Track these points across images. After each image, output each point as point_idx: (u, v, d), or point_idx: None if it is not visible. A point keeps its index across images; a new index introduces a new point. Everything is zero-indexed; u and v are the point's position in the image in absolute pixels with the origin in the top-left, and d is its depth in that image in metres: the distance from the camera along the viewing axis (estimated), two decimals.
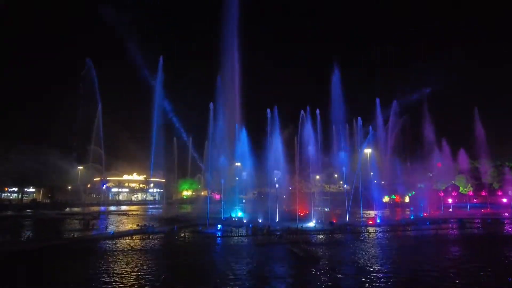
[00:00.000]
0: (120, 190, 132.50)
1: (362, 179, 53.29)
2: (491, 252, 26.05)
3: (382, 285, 16.62)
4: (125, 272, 18.91)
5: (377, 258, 23.13)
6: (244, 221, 47.04)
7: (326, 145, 56.13)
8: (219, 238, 32.86)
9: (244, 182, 57.20)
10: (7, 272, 19.56)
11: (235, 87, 69.00)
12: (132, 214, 60.28)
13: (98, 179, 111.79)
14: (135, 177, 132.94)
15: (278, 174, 50.19)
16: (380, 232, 36.83)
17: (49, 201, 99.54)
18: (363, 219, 46.61)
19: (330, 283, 17.15)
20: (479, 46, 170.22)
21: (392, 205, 74.39)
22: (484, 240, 33.12)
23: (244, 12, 73.39)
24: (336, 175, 77.91)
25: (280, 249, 26.72)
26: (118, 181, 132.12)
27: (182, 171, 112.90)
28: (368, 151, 71.42)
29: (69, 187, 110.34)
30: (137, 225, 39.85)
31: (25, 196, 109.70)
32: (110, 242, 28.93)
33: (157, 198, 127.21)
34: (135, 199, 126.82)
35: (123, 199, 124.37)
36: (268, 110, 52.78)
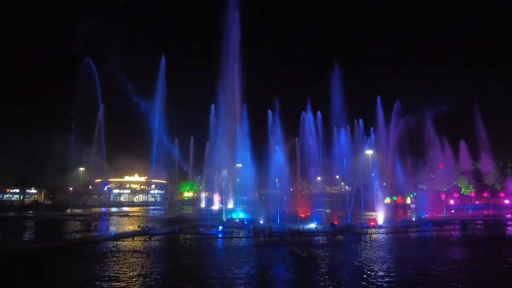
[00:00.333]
0: (121, 191, 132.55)
1: (363, 181, 53.15)
2: (494, 254, 25.92)
3: (384, 286, 16.54)
4: (126, 273, 18.88)
5: (378, 259, 23.02)
6: (245, 222, 47.00)
7: (327, 146, 56.06)
8: (220, 240, 32.82)
9: (245, 183, 57.16)
10: (7, 273, 19.57)
11: (235, 88, 69.08)
12: (134, 216, 60.28)
13: (100, 180, 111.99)
14: (136, 178, 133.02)
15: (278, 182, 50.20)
16: (381, 233, 36.73)
17: (50, 202, 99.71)
18: (365, 221, 46.48)
19: (331, 285, 17.09)
20: (479, 46, 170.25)
21: (394, 206, 74.16)
22: (487, 242, 32.95)
23: (244, 13, 73.65)
24: (337, 177, 77.84)
25: (281, 250, 26.64)
26: (120, 182, 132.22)
27: (183, 172, 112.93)
28: (369, 152, 71.35)
29: (71, 189, 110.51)
30: (138, 227, 39.85)
31: (26, 198, 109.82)
32: (111, 243, 28.91)
33: (158, 199, 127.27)
34: (137, 201, 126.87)
35: (125, 201, 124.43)
36: (269, 111, 52.75)
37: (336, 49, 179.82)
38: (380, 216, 48.38)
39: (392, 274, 19.06)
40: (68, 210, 78.36)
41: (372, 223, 45.08)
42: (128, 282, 17.12)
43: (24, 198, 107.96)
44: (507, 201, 78.05)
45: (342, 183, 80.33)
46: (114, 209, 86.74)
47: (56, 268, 21.15)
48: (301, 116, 53.54)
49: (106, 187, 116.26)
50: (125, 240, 30.71)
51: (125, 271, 19.42)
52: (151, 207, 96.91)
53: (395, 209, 64.95)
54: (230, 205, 61.88)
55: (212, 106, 54.98)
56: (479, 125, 79.23)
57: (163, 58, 64.39)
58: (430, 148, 71.97)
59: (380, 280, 17.60)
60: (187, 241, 32.03)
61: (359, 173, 52.84)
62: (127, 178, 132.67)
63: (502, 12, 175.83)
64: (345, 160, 55.79)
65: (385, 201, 70.24)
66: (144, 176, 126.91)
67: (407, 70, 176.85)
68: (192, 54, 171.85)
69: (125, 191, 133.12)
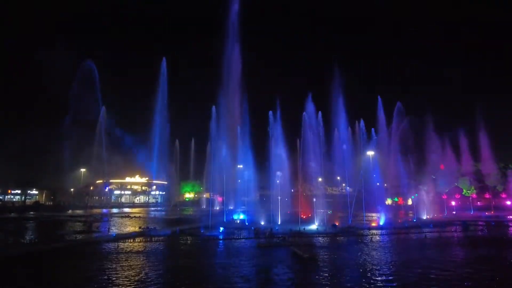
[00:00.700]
0: (122, 192, 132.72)
1: (364, 182, 53.07)
2: (497, 255, 25.83)
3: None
4: (126, 274, 18.86)
5: (380, 260, 22.96)
6: (246, 223, 46.97)
7: (328, 147, 55.91)
8: (221, 241, 32.79)
9: (246, 184, 57.12)
10: (8, 274, 19.58)
11: (236, 89, 69.09)
12: (135, 217, 60.30)
13: (101, 181, 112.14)
14: (137, 180, 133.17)
15: (280, 175, 50.04)
16: (383, 234, 36.66)
17: (51, 203, 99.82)
18: (366, 222, 46.42)
19: (333, 287, 17.04)
20: (480, 46, 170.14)
21: (395, 207, 74.13)
22: (489, 243, 32.83)
23: (244, 14, 73.75)
24: (338, 178, 77.70)
25: (282, 251, 26.61)
26: (121, 183, 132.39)
27: (184, 173, 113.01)
28: (370, 153, 71.21)
29: (72, 190, 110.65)
30: (139, 228, 39.83)
31: (28, 198, 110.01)
32: (112, 244, 28.91)
33: (159, 200, 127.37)
34: (138, 202, 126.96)
35: (126, 202, 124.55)
36: (270, 112, 52.72)
37: (336, 50, 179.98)
38: (381, 217, 48.35)
39: (394, 275, 19.01)
40: (69, 211, 78.41)
41: (373, 224, 45.04)
42: (128, 283, 17.09)
43: (25, 199, 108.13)
44: (508, 202, 77.86)
45: (343, 184, 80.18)
46: (115, 210, 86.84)
47: (57, 269, 21.14)
48: (302, 117, 53.45)
49: (107, 188, 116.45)
50: (126, 241, 30.68)
51: (126, 272, 19.39)
52: (152, 208, 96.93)
53: (396, 210, 64.93)
54: (231, 206, 61.85)
55: (213, 108, 54.86)
56: (481, 125, 79.02)
57: (163, 60, 64.44)
58: (431, 149, 71.74)
59: (381, 281, 17.54)
60: (188, 242, 32.01)
61: (361, 175, 52.75)
62: (128, 179, 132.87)
63: (503, 11, 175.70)
64: (346, 161, 55.74)
65: (386, 202, 70.22)
66: (145, 177, 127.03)
67: (407, 70, 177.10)
68: (192, 55, 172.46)
69: (126, 192, 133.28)
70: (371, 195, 53.33)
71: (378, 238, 34.41)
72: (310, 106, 53.38)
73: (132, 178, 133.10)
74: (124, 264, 21.46)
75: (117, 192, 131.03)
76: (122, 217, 61.09)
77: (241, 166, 60.27)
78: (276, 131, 51.07)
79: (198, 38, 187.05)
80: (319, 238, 34.01)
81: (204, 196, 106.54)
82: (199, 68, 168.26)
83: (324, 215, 48.05)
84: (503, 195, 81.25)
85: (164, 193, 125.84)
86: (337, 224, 42.99)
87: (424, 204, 64.66)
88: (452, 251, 27.58)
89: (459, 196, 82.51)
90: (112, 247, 27.57)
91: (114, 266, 20.90)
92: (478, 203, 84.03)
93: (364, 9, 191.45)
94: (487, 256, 25.29)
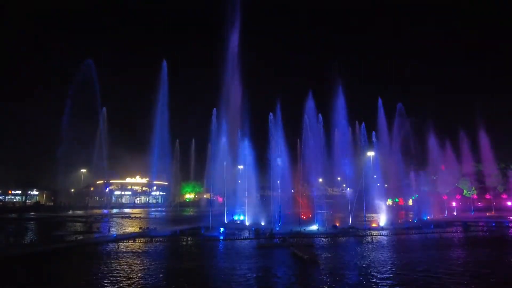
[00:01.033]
0: (122, 193, 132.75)
1: (365, 182, 52.95)
2: (498, 256, 25.77)
3: None
4: (126, 275, 18.84)
5: (381, 261, 22.91)
6: (247, 224, 46.94)
7: (329, 148, 55.85)
8: (221, 241, 32.77)
9: (247, 185, 57.03)
10: (8, 275, 19.57)
11: (236, 88, 69.02)
12: (135, 217, 60.30)
13: (101, 182, 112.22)
14: (138, 180, 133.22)
15: (280, 161, 49.76)
16: (383, 235, 36.60)
17: (52, 203, 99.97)
18: (366, 222, 46.36)
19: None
20: (480, 46, 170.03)
21: (396, 208, 74.00)
22: (490, 243, 32.77)
23: (244, 14, 73.74)
24: (339, 178, 77.59)
25: (283, 252, 26.56)
26: (121, 183, 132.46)
27: (185, 174, 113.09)
28: (371, 153, 71.04)
29: (72, 190, 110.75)
30: (140, 228, 39.83)
31: (28, 199, 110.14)
32: (112, 245, 28.91)
33: (160, 201, 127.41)
34: (138, 202, 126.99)
35: (126, 202, 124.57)
36: (271, 114, 52.58)
37: (336, 49, 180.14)
38: (382, 218, 48.27)
39: (395, 276, 18.95)
40: (70, 212, 78.48)
41: (374, 225, 44.97)
42: (129, 284, 17.07)
43: (26, 199, 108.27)
44: (509, 203, 77.70)
45: (344, 185, 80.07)
46: (115, 211, 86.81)
47: (57, 269, 21.12)
48: (303, 118, 53.35)
49: (107, 188, 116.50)
50: (127, 241, 30.67)
51: (126, 273, 19.37)
52: (153, 209, 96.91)
53: (397, 211, 64.84)
54: (232, 206, 61.74)
55: (214, 110, 54.75)
56: (482, 126, 78.89)
57: (164, 63, 64.24)
58: (432, 150, 71.62)
59: (381, 282, 17.50)
60: (189, 242, 31.99)
61: (362, 176, 52.65)
62: (128, 180, 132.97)
63: (502, 11, 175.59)
64: (346, 162, 55.59)
65: (387, 203, 70.09)
66: (146, 178, 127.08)
67: (407, 70, 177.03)
68: (192, 55, 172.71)
69: (127, 192, 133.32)
70: (371, 195, 53.22)
71: (378, 238, 34.35)
72: (310, 108, 53.27)
73: (133, 178, 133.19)
74: (124, 265, 21.43)
75: (117, 192, 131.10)
76: (122, 217, 61.07)
77: (241, 166, 60.20)
78: (277, 132, 50.96)
79: (198, 37, 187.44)
80: (320, 238, 33.95)
81: (205, 196, 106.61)
82: (199, 68, 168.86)
83: (324, 216, 48.01)
84: (504, 196, 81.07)
85: (164, 193, 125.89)
86: (337, 224, 42.95)
87: (425, 204, 64.58)
88: (453, 252, 27.52)
89: (459, 197, 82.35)
90: (113, 248, 27.56)
91: (114, 267, 20.87)
92: (479, 203, 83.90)
93: (364, 9, 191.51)
94: (488, 257, 25.24)
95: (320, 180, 59.90)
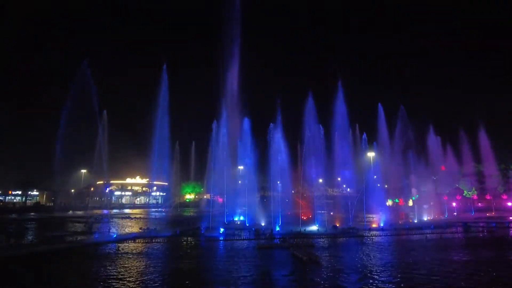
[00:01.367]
0: (123, 193, 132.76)
1: (365, 183, 52.96)
2: (498, 256, 25.73)
3: None
4: (126, 276, 18.84)
5: (381, 262, 22.90)
6: (247, 224, 46.93)
7: (329, 149, 55.77)
8: (221, 242, 32.75)
9: (247, 185, 57.03)
10: (8, 275, 19.57)
11: (237, 90, 68.96)
12: (135, 218, 60.28)
13: (101, 182, 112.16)
14: (138, 180, 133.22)
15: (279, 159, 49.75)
16: (383, 236, 36.57)
17: (52, 204, 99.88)
18: (367, 223, 46.34)
19: None
20: (480, 46, 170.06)
21: (396, 208, 73.85)
22: (490, 244, 32.75)
23: (244, 14, 73.69)
24: (339, 179, 77.50)
25: (283, 252, 26.55)
26: (121, 184, 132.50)
27: (185, 174, 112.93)
28: (371, 154, 70.98)
29: (72, 190, 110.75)
30: (140, 229, 39.80)
31: (28, 199, 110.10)
32: (112, 245, 28.90)
33: (160, 201, 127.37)
34: (138, 203, 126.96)
35: (126, 202, 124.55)
36: (271, 124, 52.51)
37: (336, 50, 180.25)
38: (382, 218, 48.23)
39: (395, 277, 18.92)
40: (70, 212, 78.46)
41: (374, 225, 44.94)
42: (128, 285, 17.06)
43: (26, 200, 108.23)
44: (509, 203, 77.57)
45: (344, 185, 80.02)
46: (115, 211, 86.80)
47: (57, 270, 21.13)
48: (303, 118, 53.35)
49: (107, 189, 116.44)
50: (127, 242, 30.66)
51: (126, 273, 19.37)
52: (153, 209, 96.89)
53: (397, 211, 64.73)
54: (232, 207, 61.72)
55: (215, 122, 54.69)
56: (482, 126, 78.80)
57: (164, 66, 63.82)
58: (433, 150, 71.57)
59: (382, 283, 17.47)
60: (189, 243, 31.97)
61: (363, 177, 52.68)
62: (128, 180, 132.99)
63: (502, 11, 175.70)
64: (347, 163, 55.61)
65: (387, 203, 70.06)
66: (146, 178, 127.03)
67: (407, 70, 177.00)
68: (192, 54, 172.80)
69: (127, 193, 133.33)
70: (371, 196, 53.19)
71: (378, 239, 34.33)
72: (310, 112, 53.24)
73: (133, 179, 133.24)
74: (124, 265, 21.43)
75: (117, 193, 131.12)
76: (122, 218, 61.06)
77: (241, 167, 60.20)
78: (277, 135, 50.98)
79: (198, 37, 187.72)
80: (320, 239, 33.93)
81: (205, 197, 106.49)
82: (200, 67, 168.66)
83: (324, 216, 48.00)
84: (504, 197, 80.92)
85: (164, 194, 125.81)
86: (337, 225, 42.93)
87: (425, 205, 64.51)
88: (453, 253, 27.45)
89: (460, 197, 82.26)
90: (113, 248, 27.55)
91: (114, 267, 20.87)
92: (479, 204, 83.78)
93: (364, 9, 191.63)
94: (488, 257, 25.20)
95: (320, 180, 59.80)
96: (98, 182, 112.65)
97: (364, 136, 58.02)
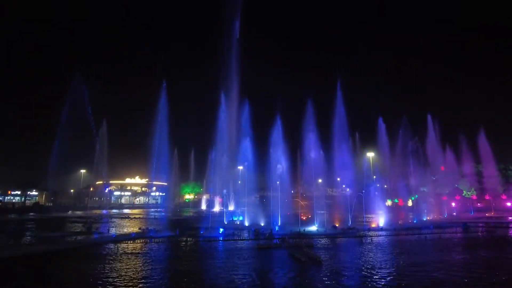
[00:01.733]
0: (122, 193, 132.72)
1: (364, 183, 53.02)
2: (497, 256, 25.73)
3: None
4: (126, 276, 18.82)
5: (380, 262, 22.89)
6: (246, 224, 46.92)
7: (328, 149, 55.76)
8: (221, 242, 32.73)
9: (246, 186, 57.08)
10: (8, 276, 19.55)
11: (237, 90, 69.00)
12: (134, 218, 60.25)
13: (101, 182, 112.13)
14: (137, 181, 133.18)
15: (280, 169, 49.87)
16: (383, 236, 36.58)
17: (51, 204, 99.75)
18: (366, 223, 46.34)
19: None
20: (480, 46, 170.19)
21: (395, 209, 73.88)
22: (489, 244, 32.77)
23: (244, 14, 73.79)
24: (338, 179, 77.53)
25: (282, 253, 26.53)
26: (121, 184, 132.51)
27: (185, 174, 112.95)
28: (370, 154, 71.04)
29: (72, 191, 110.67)
30: (139, 229, 39.78)
31: (28, 199, 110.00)
32: (112, 245, 28.88)
33: (159, 201, 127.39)
34: (137, 203, 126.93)
35: (125, 203, 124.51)
36: (272, 130, 52.58)
37: (338, 53, 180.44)
38: (381, 219, 48.25)
39: (395, 277, 18.92)
40: (69, 212, 78.42)
41: (373, 226, 44.95)
42: (128, 285, 17.05)
43: (25, 200, 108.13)
44: (509, 204, 77.65)
45: (343, 186, 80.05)
46: (115, 211, 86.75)
47: (56, 270, 21.11)
48: (303, 122, 53.41)
49: (107, 189, 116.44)
50: (126, 242, 30.65)
51: (126, 274, 19.36)
52: (152, 209, 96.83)
53: (396, 212, 64.79)
54: (231, 207, 61.80)
55: (214, 107, 54.71)
56: (481, 126, 78.89)
57: (164, 83, 63.44)
58: (432, 151, 71.59)
59: (382, 284, 17.47)
60: (188, 243, 31.95)
61: (362, 178, 52.70)
62: (128, 180, 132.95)
63: (502, 11, 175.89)
64: (346, 164, 55.54)
65: (387, 204, 70.10)
66: (145, 178, 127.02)
67: (407, 70, 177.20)
68: (193, 54, 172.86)
69: (126, 193, 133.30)
70: (371, 196, 53.25)
71: (378, 239, 34.32)
72: (309, 118, 53.30)
73: (132, 179, 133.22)
74: (124, 265, 21.41)
75: (117, 193, 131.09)
76: (122, 218, 61.04)
77: (241, 167, 60.23)
78: (277, 136, 51.02)
79: (199, 37, 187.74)
80: (319, 239, 33.94)
81: (204, 197, 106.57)
82: (200, 67, 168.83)
83: (324, 217, 48.00)
84: (503, 197, 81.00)
85: (164, 194, 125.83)
86: (337, 225, 42.94)
87: (424, 205, 64.54)
88: (453, 253, 27.49)
89: (459, 198, 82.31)
90: (112, 248, 27.53)
91: (113, 268, 20.86)
92: (478, 204, 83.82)
93: (364, 9, 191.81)
94: (487, 257, 25.22)
95: (320, 180, 59.78)
96: (97, 182, 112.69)
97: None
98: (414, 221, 53.57)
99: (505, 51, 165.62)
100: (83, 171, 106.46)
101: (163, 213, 77.24)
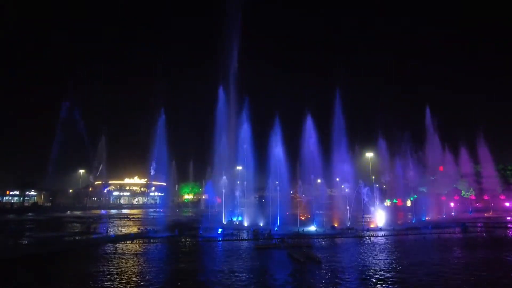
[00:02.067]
0: (121, 193, 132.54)
1: (363, 183, 52.96)
2: (497, 256, 25.77)
3: None
4: (124, 276, 18.82)
5: (379, 262, 22.91)
6: (245, 224, 46.94)
7: (328, 150, 55.82)
8: (220, 242, 32.73)
9: (246, 186, 57.11)
10: (8, 276, 19.52)
11: (236, 91, 68.95)
12: (133, 218, 60.19)
13: (100, 182, 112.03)
14: (136, 181, 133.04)
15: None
16: (382, 236, 36.60)
17: (50, 204, 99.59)
18: (365, 223, 46.37)
19: None
20: (480, 46, 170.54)
21: (394, 209, 73.94)
22: (488, 244, 32.82)
23: (244, 14, 73.72)
24: (338, 179, 77.58)
25: (281, 253, 26.53)
26: (120, 184, 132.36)
27: (184, 174, 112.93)
28: (370, 154, 71.11)
29: (71, 191, 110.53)
30: (138, 229, 39.76)
31: (26, 200, 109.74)
32: (111, 245, 28.85)
33: (158, 201, 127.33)
34: (136, 203, 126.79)
35: (124, 203, 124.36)
36: (271, 133, 52.61)
37: (338, 55, 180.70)
38: (380, 219, 48.27)
39: (394, 278, 18.94)
40: (68, 212, 78.31)
41: (372, 226, 44.98)
42: (127, 286, 17.04)
43: (24, 200, 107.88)
44: (507, 204, 77.83)
45: (342, 186, 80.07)
46: (113, 211, 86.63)
47: (55, 271, 21.07)
48: (303, 123, 53.46)
49: (106, 189, 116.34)
50: (125, 242, 30.63)
51: (125, 274, 19.35)
52: (151, 209, 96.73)
53: (395, 212, 64.85)
54: (230, 207, 61.71)
55: (214, 108, 54.75)
56: (480, 127, 79.12)
57: (162, 110, 63.11)
58: (431, 151, 71.68)
59: (382, 284, 17.50)
60: (187, 243, 31.95)
61: (361, 177, 52.72)
62: (127, 181, 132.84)
63: (503, 11, 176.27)
64: (346, 164, 55.60)
65: (385, 204, 70.18)
66: (144, 178, 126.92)
67: (407, 70, 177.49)
68: (192, 54, 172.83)
69: (125, 193, 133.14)
70: (370, 196, 53.23)
71: (377, 239, 34.35)
72: (309, 122, 53.38)
73: (131, 179, 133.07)
74: (123, 266, 21.40)
75: (116, 193, 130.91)
76: (121, 218, 60.98)
77: (240, 167, 60.26)
78: (276, 137, 51.08)
79: (198, 37, 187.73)
80: (318, 239, 33.94)
81: (203, 197, 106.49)
82: (200, 66, 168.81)
83: (323, 217, 48.02)
84: (502, 197, 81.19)
85: (163, 194, 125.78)
86: (335, 225, 42.96)
87: (423, 205, 64.59)
88: (451, 253, 27.52)
89: (458, 198, 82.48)
90: (111, 249, 27.50)
91: (112, 268, 20.84)
92: (477, 204, 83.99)
93: (364, 9, 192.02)
94: (486, 257, 25.26)
95: (319, 180, 59.82)
96: (96, 183, 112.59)
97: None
98: (413, 221, 53.62)
99: (505, 51, 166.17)
100: (82, 171, 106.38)
101: (162, 213, 77.23)
